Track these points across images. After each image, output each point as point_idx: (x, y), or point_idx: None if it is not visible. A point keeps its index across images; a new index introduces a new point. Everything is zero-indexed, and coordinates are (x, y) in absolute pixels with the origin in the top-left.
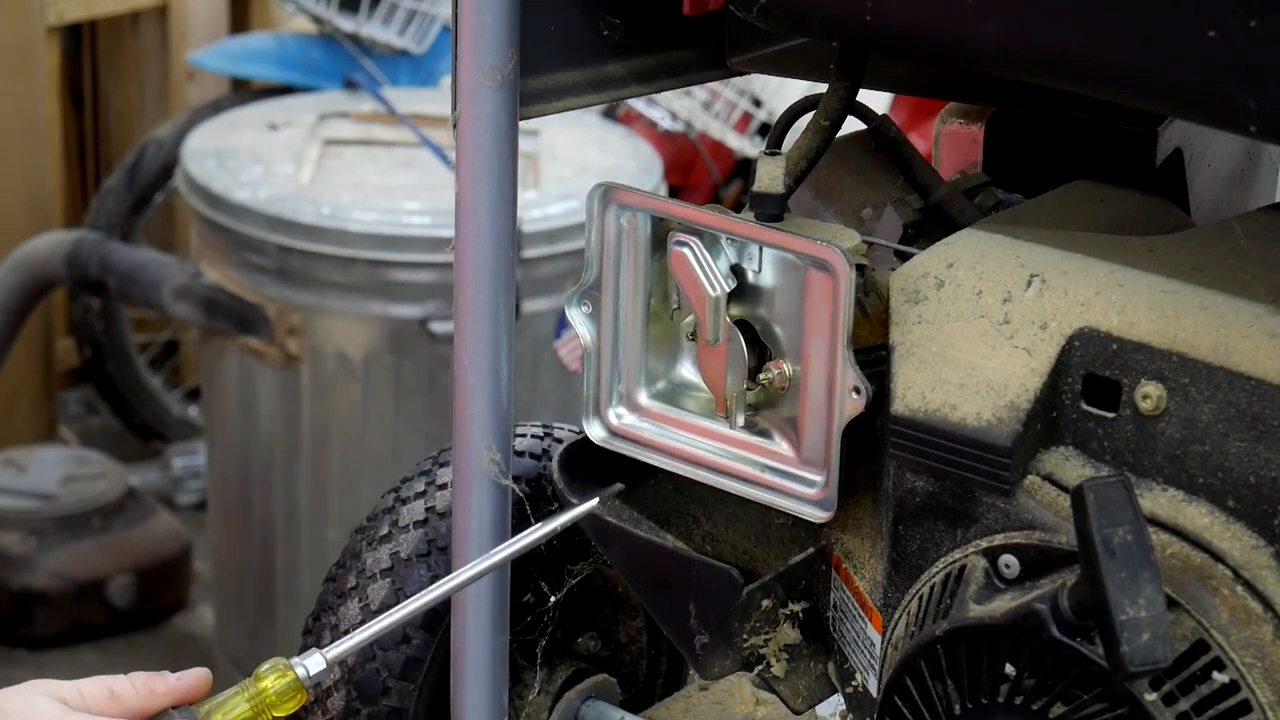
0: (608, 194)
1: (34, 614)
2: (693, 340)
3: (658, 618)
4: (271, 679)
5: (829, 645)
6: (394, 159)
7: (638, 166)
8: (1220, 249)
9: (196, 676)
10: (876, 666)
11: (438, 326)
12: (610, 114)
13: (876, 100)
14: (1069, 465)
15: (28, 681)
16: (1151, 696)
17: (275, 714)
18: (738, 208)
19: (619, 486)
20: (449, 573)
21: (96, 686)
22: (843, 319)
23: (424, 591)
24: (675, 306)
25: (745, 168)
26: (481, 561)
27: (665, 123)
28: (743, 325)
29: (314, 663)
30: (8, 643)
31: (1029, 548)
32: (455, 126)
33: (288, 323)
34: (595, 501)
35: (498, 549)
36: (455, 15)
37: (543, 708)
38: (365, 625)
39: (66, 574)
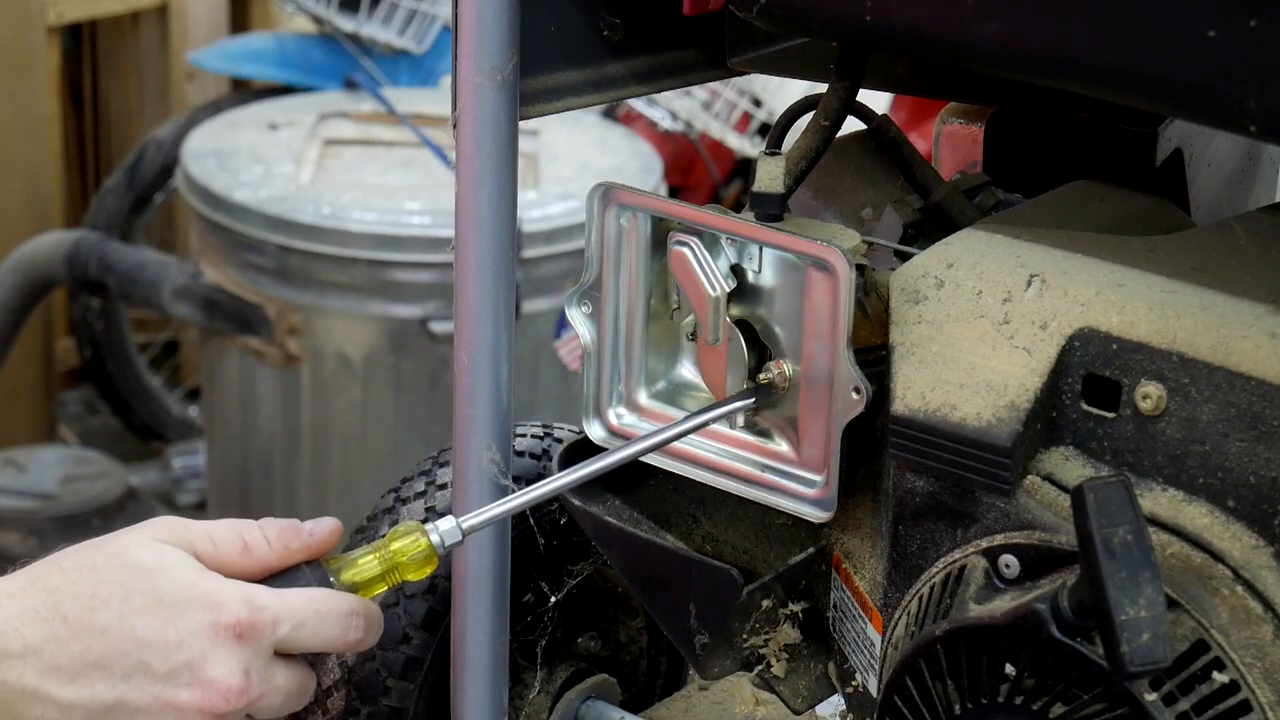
0: (608, 194)
1: None
2: (693, 340)
3: (658, 618)
4: (405, 541)
5: (829, 645)
6: (394, 159)
7: (638, 166)
8: (1220, 249)
9: (328, 531)
10: (876, 666)
11: (438, 326)
12: (610, 114)
13: (876, 100)
14: (1069, 465)
15: (153, 520)
16: (1151, 696)
17: (405, 577)
18: (738, 208)
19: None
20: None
21: (229, 535)
22: (843, 319)
23: (605, 455)
24: (675, 306)
25: (745, 168)
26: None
27: (665, 123)
28: (743, 325)
29: (448, 531)
30: None
31: (1029, 548)
32: (455, 126)
33: (288, 323)
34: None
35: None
36: (455, 15)
37: (543, 708)
38: (508, 497)
39: None
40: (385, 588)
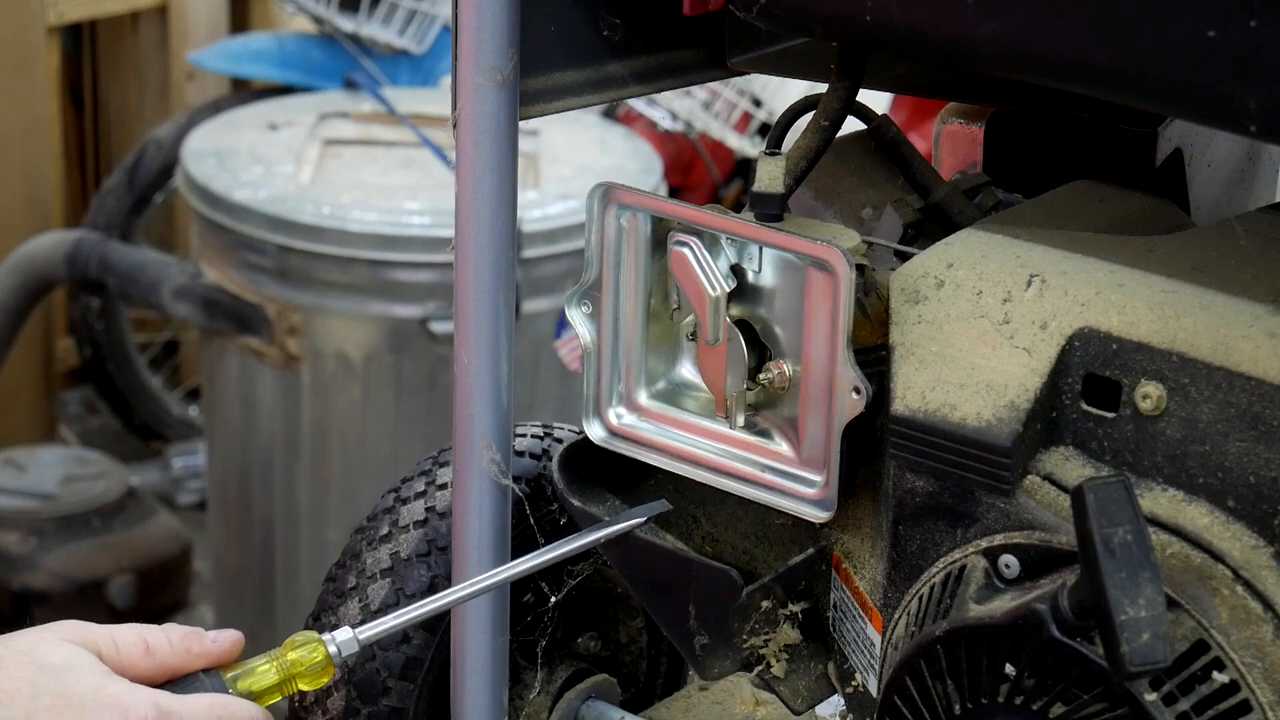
0: (608, 194)
1: (34, 614)
2: (693, 340)
3: (658, 618)
4: (301, 651)
5: (829, 645)
6: (394, 159)
7: (638, 166)
8: (1220, 249)
9: (230, 641)
10: (876, 666)
11: (438, 326)
12: (610, 114)
13: (876, 100)
14: (1069, 465)
15: (57, 623)
16: (1151, 696)
17: (301, 686)
18: (738, 208)
19: (664, 504)
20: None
21: (132, 638)
22: (843, 319)
23: (482, 576)
24: (675, 306)
25: (745, 168)
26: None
27: (665, 123)
28: (743, 325)
29: (345, 641)
30: None
31: (1029, 548)
32: (455, 126)
33: (288, 323)
34: (639, 520)
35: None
36: (455, 15)
37: (543, 708)
38: (402, 610)
39: (66, 574)
40: (281, 696)
